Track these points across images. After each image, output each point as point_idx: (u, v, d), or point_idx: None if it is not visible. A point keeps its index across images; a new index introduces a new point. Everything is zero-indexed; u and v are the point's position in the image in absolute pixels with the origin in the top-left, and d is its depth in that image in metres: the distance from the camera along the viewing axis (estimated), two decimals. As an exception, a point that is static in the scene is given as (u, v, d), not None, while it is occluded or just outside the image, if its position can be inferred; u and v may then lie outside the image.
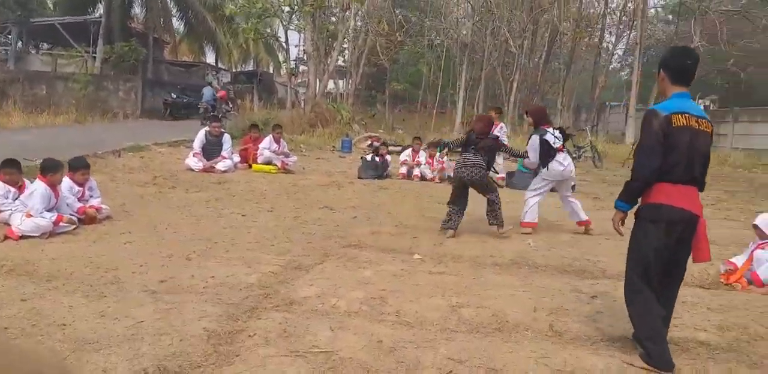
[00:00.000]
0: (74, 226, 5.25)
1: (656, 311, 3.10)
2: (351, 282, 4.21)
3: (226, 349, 3.05)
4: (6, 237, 4.84)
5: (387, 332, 3.35)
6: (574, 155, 13.55)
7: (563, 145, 6.32)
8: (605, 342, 3.39)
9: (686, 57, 3.12)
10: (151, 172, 8.56)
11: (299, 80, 48.21)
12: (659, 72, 3.14)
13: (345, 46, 25.65)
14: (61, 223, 5.10)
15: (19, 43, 24.96)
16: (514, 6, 22.67)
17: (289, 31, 23.27)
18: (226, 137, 9.39)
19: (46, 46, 28.95)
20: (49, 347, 2.95)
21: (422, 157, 9.84)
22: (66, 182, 5.47)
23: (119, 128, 16.77)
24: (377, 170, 9.54)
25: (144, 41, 23.45)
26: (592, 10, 25.19)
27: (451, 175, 9.51)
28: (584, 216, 6.39)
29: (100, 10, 24.94)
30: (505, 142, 10.04)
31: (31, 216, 4.97)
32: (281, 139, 9.84)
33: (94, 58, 21.28)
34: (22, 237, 4.88)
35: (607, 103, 29.28)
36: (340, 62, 26.77)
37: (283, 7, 19.63)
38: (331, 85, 27.74)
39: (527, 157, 6.35)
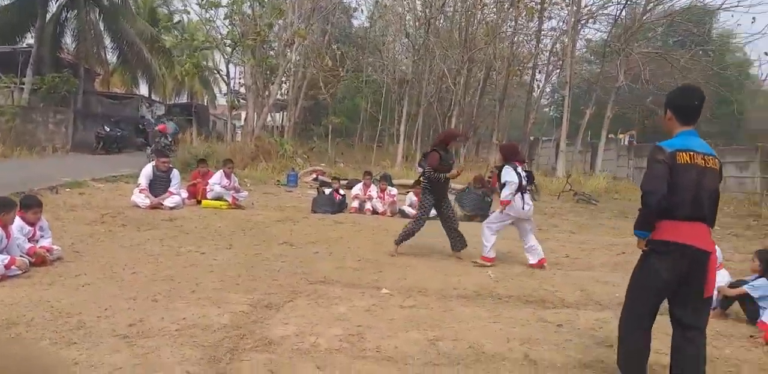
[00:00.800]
0: (24, 270, 5.00)
1: (646, 354, 3.15)
2: (326, 319, 4.23)
3: (214, 393, 3.00)
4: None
5: (372, 368, 3.40)
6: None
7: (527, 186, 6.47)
8: (578, 369, 3.57)
9: (694, 97, 3.11)
10: (96, 210, 8.27)
11: (233, 113, 47.86)
12: (666, 111, 3.15)
13: (284, 79, 25.82)
14: (12, 267, 4.86)
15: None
16: (450, 44, 23.59)
17: (223, 64, 23.02)
18: (175, 173, 9.21)
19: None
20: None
21: (374, 191, 9.99)
22: (17, 222, 5.23)
23: (50, 163, 16.05)
24: (334, 206, 9.60)
25: (75, 72, 22.75)
26: (523, 50, 26.53)
27: (401, 208, 9.76)
28: (535, 260, 6.46)
29: (29, 39, 24.09)
30: None
31: (-19, 259, 4.72)
32: (232, 174, 9.75)
33: (22, 89, 20.38)
34: (-29, 282, 4.61)
35: (540, 138, 30.64)
36: (278, 96, 26.89)
37: (225, 41, 19.63)
38: (267, 118, 27.70)
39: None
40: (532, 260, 6.43)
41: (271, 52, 24.59)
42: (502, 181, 6.35)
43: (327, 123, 33.46)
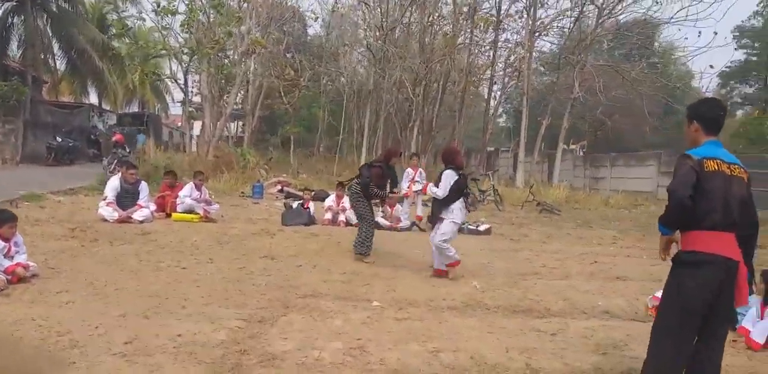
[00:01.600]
0: (1, 288, 4.80)
1: None
2: (325, 333, 4.22)
3: (230, 411, 2.96)
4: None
5: (382, 381, 3.42)
6: (479, 198, 14.35)
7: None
8: (579, 377, 3.68)
9: (718, 108, 3.19)
10: (62, 224, 7.98)
11: (180, 123, 46.97)
12: (690, 123, 3.19)
13: (241, 89, 25.58)
14: (-10, 284, 4.66)
15: None
16: (409, 54, 23.87)
17: (180, 73, 22.63)
18: (143, 185, 8.98)
19: None
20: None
21: (347, 202, 9.98)
22: (-8, 238, 5.02)
23: (1, 175, 15.38)
24: (304, 218, 9.54)
25: (23, 80, 21.90)
26: (479, 61, 27.12)
27: (377, 220, 9.78)
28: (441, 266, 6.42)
29: (-27, 46, 23.15)
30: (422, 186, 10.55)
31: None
32: (203, 186, 9.58)
33: (-33, 98, 19.49)
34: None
35: (500, 149, 31.26)
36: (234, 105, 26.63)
37: (183, 49, 19.32)
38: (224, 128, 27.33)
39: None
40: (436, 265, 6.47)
41: (226, 61, 24.34)
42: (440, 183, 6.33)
43: (285, 133, 33.34)
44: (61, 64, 28.59)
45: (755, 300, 4.61)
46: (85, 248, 6.66)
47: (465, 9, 23.85)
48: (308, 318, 4.63)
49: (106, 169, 15.93)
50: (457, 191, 6.25)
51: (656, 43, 28.00)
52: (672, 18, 20.29)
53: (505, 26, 24.79)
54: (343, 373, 3.52)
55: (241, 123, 39.63)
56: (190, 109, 29.76)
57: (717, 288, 2.92)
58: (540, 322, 4.83)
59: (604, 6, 21.41)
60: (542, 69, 31.53)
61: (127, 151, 17.33)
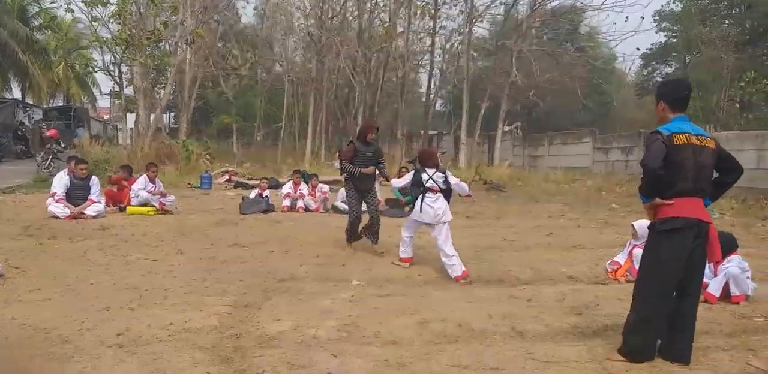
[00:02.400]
0: (-31, 288, 4.63)
1: (651, 352, 3.36)
2: (315, 313, 4.33)
3: (246, 390, 3.04)
4: None
5: (383, 352, 3.58)
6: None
7: (441, 187, 5.95)
8: (561, 336, 3.96)
9: (683, 88, 3.46)
10: (12, 223, 7.66)
11: (116, 115, 45.04)
12: (657, 102, 3.44)
13: (175, 79, 24.83)
14: (-42, 286, 4.48)
15: None
16: (348, 42, 23.84)
17: (113, 65, 21.71)
18: (94, 179, 8.69)
19: None
20: None
21: (304, 189, 10.02)
22: (-46, 239, 4.81)
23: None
24: (261, 205, 9.52)
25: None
26: (416, 48, 27.40)
27: (334, 204, 9.89)
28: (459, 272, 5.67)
29: None
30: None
31: None
32: (156, 178, 9.36)
33: None
34: None
35: (442, 132, 31.77)
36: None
37: (116, 40, 18.54)
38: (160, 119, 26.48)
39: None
40: (452, 274, 5.67)
41: (156, 52, 23.51)
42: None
43: (220, 123, 32.62)
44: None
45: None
46: (44, 246, 6.45)
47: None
48: (294, 300, 4.71)
49: (40, 166, 15.22)
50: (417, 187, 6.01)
51: (583, 28, 29.17)
52: (602, 4, 21.14)
53: (441, 14, 25.14)
54: (343, 348, 3.65)
55: (172, 114, 38.54)
56: (119, 101, 28.53)
57: (691, 248, 3.26)
58: (514, 290, 5.11)
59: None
60: (475, 54, 32.21)
61: (62, 146, 16.58)
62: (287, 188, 10.06)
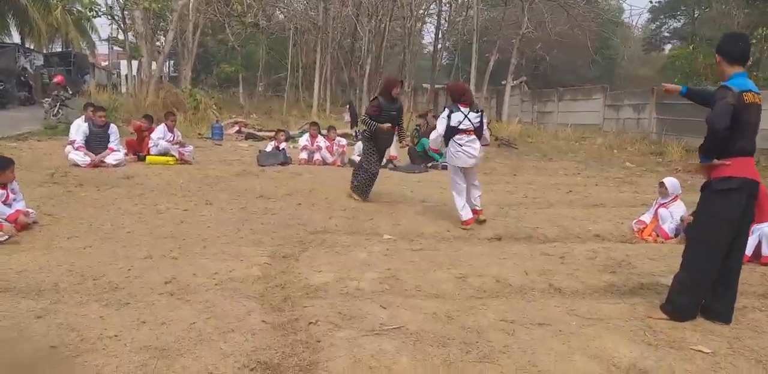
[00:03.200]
0: (10, 236, 4.68)
1: (696, 311, 3.45)
2: (354, 266, 4.40)
3: (302, 337, 3.14)
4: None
5: (429, 305, 3.66)
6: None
7: (475, 129, 5.76)
8: (599, 293, 4.06)
9: (741, 41, 3.40)
10: (35, 170, 7.65)
11: (106, 62, 44.03)
12: (718, 57, 3.38)
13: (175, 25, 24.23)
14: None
15: None
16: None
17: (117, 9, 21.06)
18: (113, 128, 8.63)
19: None
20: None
21: (321, 141, 9.98)
22: (-11, 185, 4.83)
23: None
24: (278, 158, 9.51)
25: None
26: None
27: (351, 158, 9.87)
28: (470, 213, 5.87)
29: None
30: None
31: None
32: (175, 128, 9.30)
33: None
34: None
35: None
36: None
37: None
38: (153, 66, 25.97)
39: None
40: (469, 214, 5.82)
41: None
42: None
43: (220, 72, 32.04)
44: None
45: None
46: (72, 193, 6.47)
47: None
48: (331, 252, 4.79)
49: (48, 113, 15.03)
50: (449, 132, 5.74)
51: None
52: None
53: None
54: (389, 299, 3.73)
55: (172, 62, 37.78)
56: (119, 48, 27.80)
57: (744, 208, 3.29)
58: (545, 247, 5.19)
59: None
60: (482, 5, 31.33)
61: (69, 92, 16.33)
62: (304, 140, 10.02)
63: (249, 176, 8.02)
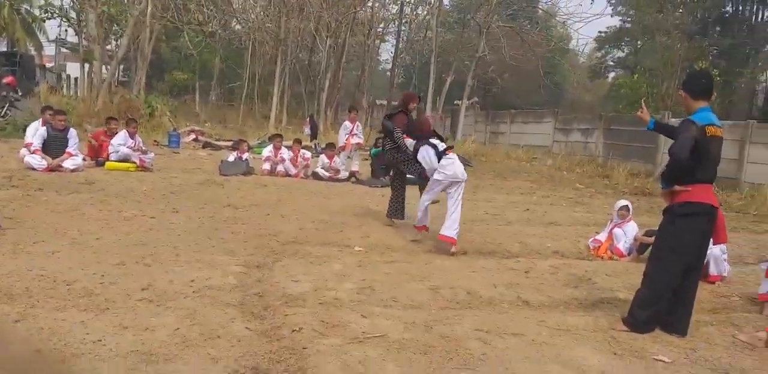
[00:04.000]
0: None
1: (655, 324, 3.68)
2: (331, 276, 4.49)
3: (287, 344, 3.20)
4: None
5: (406, 314, 3.79)
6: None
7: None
8: (563, 306, 4.28)
9: (704, 78, 3.76)
10: (-11, 173, 7.41)
11: (51, 63, 42.61)
12: (683, 93, 3.67)
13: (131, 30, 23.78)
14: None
15: None
16: (317, 5, 23.38)
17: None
18: (72, 132, 8.42)
19: None
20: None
21: (285, 153, 10.01)
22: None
23: None
24: (241, 168, 9.49)
25: None
26: (381, 15, 27.16)
27: (315, 171, 9.96)
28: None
29: None
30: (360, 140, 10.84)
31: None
32: (136, 135, 9.15)
33: None
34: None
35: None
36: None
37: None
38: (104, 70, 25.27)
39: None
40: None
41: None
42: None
43: (173, 79, 31.53)
44: None
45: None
46: (33, 197, 6.31)
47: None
48: (304, 262, 4.86)
49: (3, 117, 14.45)
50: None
51: (541, 7, 29.58)
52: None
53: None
54: (367, 309, 3.84)
55: (122, 67, 36.87)
56: (65, 50, 26.93)
57: (704, 231, 3.60)
58: (509, 262, 5.40)
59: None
60: (439, 29, 32.18)
61: (19, 94, 15.77)
62: (267, 152, 10.03)
63: (213, 185, 7.99)
